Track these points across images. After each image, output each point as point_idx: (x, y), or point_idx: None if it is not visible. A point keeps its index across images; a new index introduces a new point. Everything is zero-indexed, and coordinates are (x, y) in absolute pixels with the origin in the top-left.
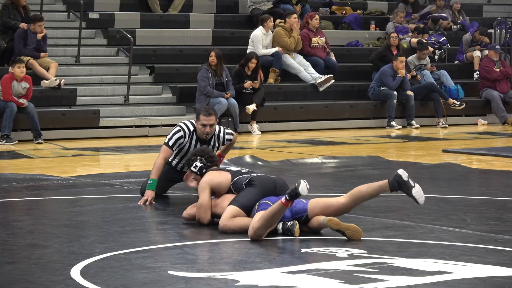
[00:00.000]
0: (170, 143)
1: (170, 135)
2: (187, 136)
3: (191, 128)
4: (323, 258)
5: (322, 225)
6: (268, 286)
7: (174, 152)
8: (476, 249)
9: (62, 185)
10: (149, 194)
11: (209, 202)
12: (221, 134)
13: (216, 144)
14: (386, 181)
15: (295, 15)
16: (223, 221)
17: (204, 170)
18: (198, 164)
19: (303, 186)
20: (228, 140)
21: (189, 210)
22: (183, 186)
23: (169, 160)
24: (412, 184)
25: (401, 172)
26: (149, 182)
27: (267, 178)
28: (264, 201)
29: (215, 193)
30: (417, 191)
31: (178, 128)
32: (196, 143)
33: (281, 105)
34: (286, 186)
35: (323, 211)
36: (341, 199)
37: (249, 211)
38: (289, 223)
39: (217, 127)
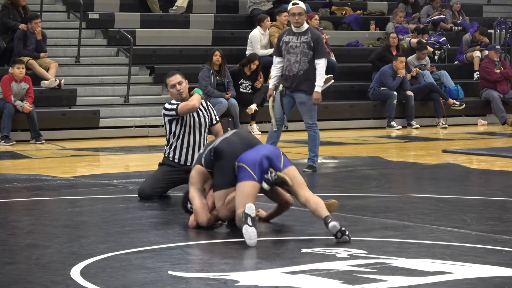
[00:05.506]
0: (170, 110)
1: (165, 111)
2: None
3: (174, 106)
4: (323, 258)
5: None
6: (268, 286)
7: (173, 133)
8: (476, 249)
9: (62, 185)
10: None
11: (202, 204)
12: (203, 101)
13: (202, 109)
14: (324, 216)
15: (285, 13)
16: (222, 212)
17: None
18: (188, 205)
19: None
20: (211, 107)
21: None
22: (183, 186)
23: (166, 154)
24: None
25: (332, 226)
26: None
27: (229, 142)
28: (240, 163)
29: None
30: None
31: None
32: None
33: None
34: (251, 136)
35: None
36: (304, 201)
37: (233, 182)
38: (270, 176)
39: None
